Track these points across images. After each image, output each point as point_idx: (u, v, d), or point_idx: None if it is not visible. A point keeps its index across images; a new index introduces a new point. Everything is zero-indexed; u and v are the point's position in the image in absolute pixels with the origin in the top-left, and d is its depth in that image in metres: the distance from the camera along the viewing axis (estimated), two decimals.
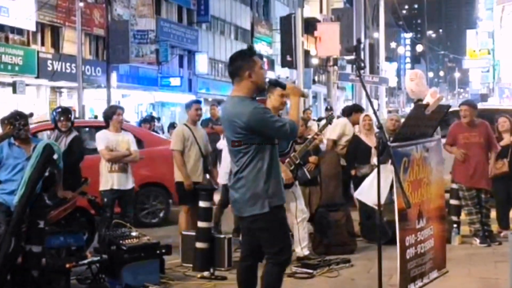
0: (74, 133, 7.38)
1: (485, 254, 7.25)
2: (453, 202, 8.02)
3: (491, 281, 6.06)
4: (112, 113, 7.41)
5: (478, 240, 7.71)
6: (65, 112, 7.60)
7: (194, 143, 7.60)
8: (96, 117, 22.90)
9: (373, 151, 7.97)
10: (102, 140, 7.35)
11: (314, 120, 8.91)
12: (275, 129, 4.38)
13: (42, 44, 28.83)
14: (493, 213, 8.08)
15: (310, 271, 6.40)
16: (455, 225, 7.96)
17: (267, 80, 4.64)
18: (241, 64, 4.46)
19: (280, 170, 4.60)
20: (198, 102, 8.40)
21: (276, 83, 4.73)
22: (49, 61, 27.94)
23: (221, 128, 13.05)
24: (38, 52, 27.53)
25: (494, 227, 8.09)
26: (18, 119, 5.94)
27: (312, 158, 7.72)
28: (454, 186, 8.03)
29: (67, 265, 5.69)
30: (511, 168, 7.96)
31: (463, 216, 8.05)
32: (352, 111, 9.11)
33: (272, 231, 4.47)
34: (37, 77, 27.26)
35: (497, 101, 43.92)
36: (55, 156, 5.73)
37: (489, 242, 7.67)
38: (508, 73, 41.11)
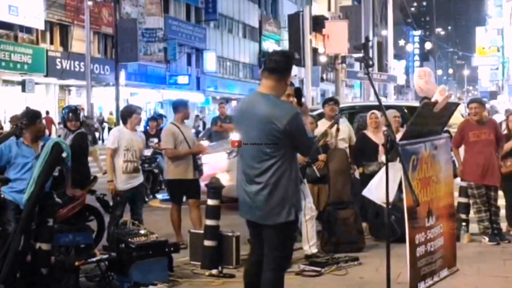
0: (78, 130, 7.49)
1: (494, 252, 7.22)
2: (461, 200, 8.00)
3: (500, 280, 6.04)
4: (131, 112, 7.49)
5: (487, 238, 7.69)
6: (74, 111, 7.70)
7: (184, 142, 7.68)
8: None
9: (381, 148, 7.95)
10: (114, 137, 7.38)
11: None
12: (304, 141, 4.23)
13: (51, 42, 28.97)
14: (502, 211, 8.05)
15: (318, 269, 6.39)
16: (464, 223, 7.94)
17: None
18: (290, 65, 4.31)
19: None
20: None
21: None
22: (58, 60, 28.08)
23: (229, 126, 13.16)
24: (47, 50, 27.68)
25: (504, 225, 8.06)
26: (19, 118, 5.98)
27: (321, 156, 7.71)
28: (463, 184, 8.01)
29: (76, 263, 5.71)
30: None
31: (472, 214, 8.03)
32: (324, 103, 8.89)
33: (288, 238, 4.36)
34: (46, 75, 27.41)
35: (507, 99, 43.74)
36: (64, 155, 5.75)
37: (498, 240, 7.64)
38: None
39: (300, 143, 4.24)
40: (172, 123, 7.91)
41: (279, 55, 4.38)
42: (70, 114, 7.60)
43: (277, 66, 4.25)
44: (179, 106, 7.96)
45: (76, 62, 28.70)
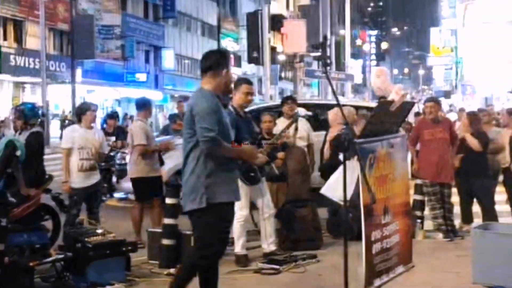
0: (33, 129, 7.24)
1: (447, 248, 7.37)
2: (416, 197, 8.14)
3: (452, 275, 6.16)
4: (86, 109, 7.41)
5: (441, 235, 7.84)
6: (16, 111, 7.50)
7: (152, 139, 7.76)
8: None
9: (327, 145, 8.05)
10: (67, 137, 7.29)
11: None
12: (200, 128, 4.36)
13: (5, 38, 28.31)
14: (456, 208, 8.22)
15: (277, 267, 6.42)
16: (418, 220, 8.08)
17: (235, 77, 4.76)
18: (221, 60, 4.62)
19: (233, 167, 4.60)
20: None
21: None
22: (12, 56, 27.48)
23: None
24: (0, 46, 27.03)
25: (457, 222, 8.23)
26: None
27: (280, 154, 7.73)
28: (418, 181, 8.15)
29: (31, 264, 5.61)
30: (471, 164, 8.09)
31: (426, 211, 8.18)
32: (283, 102, 8.82)
33: (205, 228, 4.48)
34: (0, 72, 26.77)
35: (460, 98, 44.68)
36: (18, 153, 5.64)
37: (451, 236, 7.80)
38: (470, 70, 41.84)
39: (197, 127, 4.40)
40: (139, 120, 7.86)
41: (210, 53, 4.76)
42: (13, 114, 7.48)
43: (209, 64, 4.60)
44: (144, 104, 7.95)
45: (31, 59, 28.13)
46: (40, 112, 7.93)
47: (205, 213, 4.44)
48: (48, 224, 7.24)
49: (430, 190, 7.90)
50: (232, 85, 6.85)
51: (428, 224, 8.14)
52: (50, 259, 5.84)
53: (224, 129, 4.50)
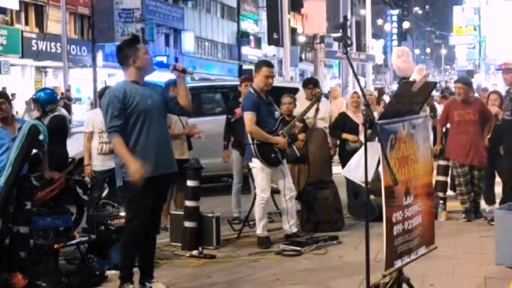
0: (55, 113, 7.33)
1: (470, 230, 7.33)
2: (439, 178, 8.08)
3: (476, 256, 6.13)
4: (102, 93, 7.41)
5: (463, 215, 7.78)
6: (32, 102, 7.64)
7: (178, 121, 7.73)
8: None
9: (361, 128, 7.99)
10: (88, 120, 7.35)
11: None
12: (106, 119, 4.90)
13: (26, 23, 28.50)
14: None
15: (298, 248, 6.44)
16: (441, 201, 8.03)
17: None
18: (126, 52, 5.00)
19: (155, 144, 4.90)
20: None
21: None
22: (34, 41, 27.65)
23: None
24: (22, 31, 27.23)
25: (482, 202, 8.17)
26: None
27: (301, 136, 7.73)
28: (441, 162, 8.08)
29: (55, 246, 5.68)
30: (493, 144, 7.99)
31: (449, 192, 8.11)
32: (310, 84, 8.71)
33: (128, 204, 5.05)
34: (22, 57, 26.99)
35: (483, 77, 44.11)
36: (41, 137, 5.68)
37: (472, 217, 7.73)
38: (494, 49, 41.22)
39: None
40: None
41: (117, 49, 5.17)
42: (33, 104, 7.60)
43: (118, 59, 5.11)
44: (170, 86, 7.92)
45: (52, 43, 28.29)
46: (58, 97, 7.96)
47: (124, 190, 4.93)
48: (72, 207, 7.34)
49: (459, 171, 7.78)
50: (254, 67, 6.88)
51: (451, 205, 8.08)
52: (74, 241, 5.92)
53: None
